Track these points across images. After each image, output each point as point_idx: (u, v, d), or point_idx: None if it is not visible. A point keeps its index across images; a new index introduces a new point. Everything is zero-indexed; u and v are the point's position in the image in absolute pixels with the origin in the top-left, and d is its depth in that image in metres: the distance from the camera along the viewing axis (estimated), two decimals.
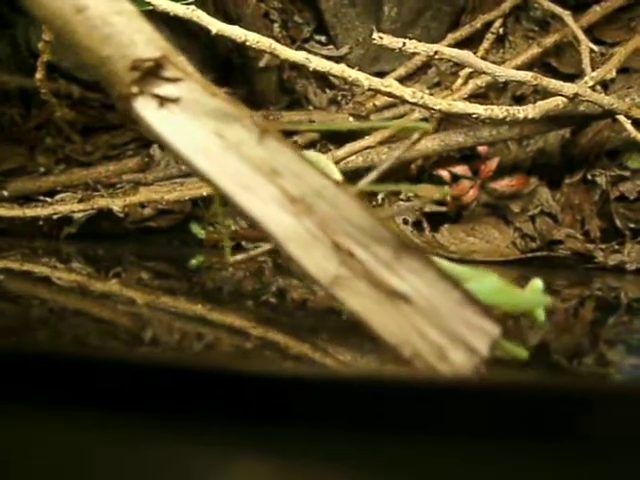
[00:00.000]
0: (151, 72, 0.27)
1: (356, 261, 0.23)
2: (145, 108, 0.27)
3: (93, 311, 0.57)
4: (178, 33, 0.69)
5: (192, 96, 0.27)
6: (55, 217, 0.68)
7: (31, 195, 0.70)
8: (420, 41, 0.69)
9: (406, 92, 0.53)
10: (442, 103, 0.55)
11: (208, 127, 0.26)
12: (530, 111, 0.58)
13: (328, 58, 0.70)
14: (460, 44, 0.71)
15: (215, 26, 0.50)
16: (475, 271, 0.29)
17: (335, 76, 0.52)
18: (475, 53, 0.69)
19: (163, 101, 0.27)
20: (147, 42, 0.27)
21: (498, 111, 0.57)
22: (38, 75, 0.61)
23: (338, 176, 0.31)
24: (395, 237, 0.24)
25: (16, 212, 0.68)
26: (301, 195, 0.24)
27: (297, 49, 0.70)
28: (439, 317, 0.23)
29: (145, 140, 0.69)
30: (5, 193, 0.69)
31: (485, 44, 0.70)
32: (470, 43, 0.71)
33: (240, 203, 0.25)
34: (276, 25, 0.70)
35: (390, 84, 0.52)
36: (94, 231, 0.69)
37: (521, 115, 0.58)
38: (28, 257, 0.67)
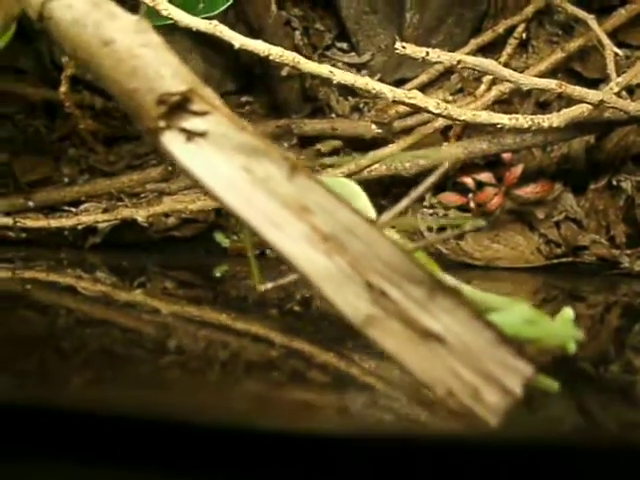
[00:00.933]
0: (178, 106, 0.27)
1: (389, 300, 0.23)
2: (173, 142, 0.27)
3: (118, 320, 0.57)
4: (201, 43, 0.69)
5: (220, 130, 0.26)
6: (80, 227, 0.68)
7: (56, 205, 0.70)
8: (443, 47, 0.69)
9: (430, 103, 0.52)
10: (466, 113, 0.54)
11: (236, 161, 0.26)
12: (555, 119, 0.58)
13: (350, 65, 0.70)
14: (483, 49, 0.70)
15: (238, 40, 0.50)
16: (506, 300, 0.29)
17: (359, 88, 0.51)
18: (498, 58, 0.69)
19: (190, 135, 0.27)
20: (174, 75, 0.27)
21: (523, 120, 0.56)
22: (62, 89, 0.61)
23: (369, 206, 0.31)
24: (429, 276, 0.23)
25: (41, 222, 0.68)
26: (332, 232, 0.24)
27: (319, 57, 0.70)
28: (472, 357, 0.23)
29: None
30: (31, 204, 0.70)
31: (508, 49, 0.69)
32: (493, 48, 0.70)
33: (270, 240, 0.25)
34: (297, 33, 0.70)
35: (414, 95, 0.52)
36: (118, 241, 0.70)
37: (546, 124, 0.57)
38: (54, 267, 0.68)
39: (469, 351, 0.23)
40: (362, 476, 0.24)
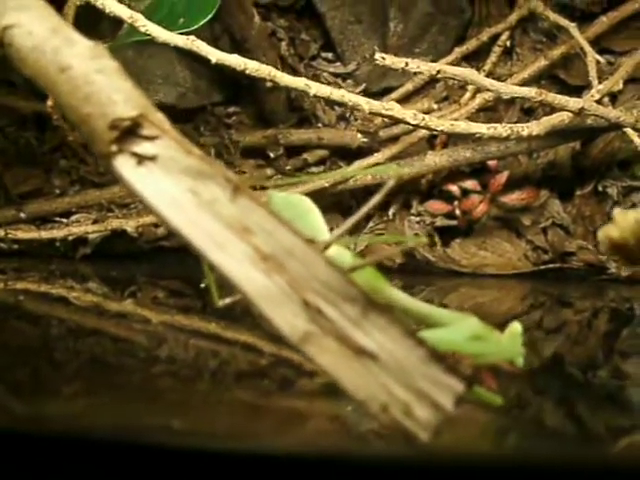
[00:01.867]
0: (129, 130, 0.28)
1: (325, 318, 0.24)
2: (124, 166, 0.28)
3: (110, 330, 0.58)
4: (187, 54, 0.70)
5: (168, 153, 0.27)
6: (70, 238, 0.69)
7: (47, 216, 0.71)
8: (427, 55, 0.70)
9: (407, 114, 0.53)
10: (444, 124, 0.55)
11: (183, 184, 0.27)
12: (534, 128, 0.58)
13: (336, 75, 0.71)
14: (467, 58, 0.71)
15: (215, 55, 0.51)
16: (454, 315, 0.30)
17: (335, 101, 0.52)
18: (482, 66, 0.69)
19: (141, 159, 0.27)
20: (125, 101, 0.28)
21: (502, 129, 0.57)
22: (49, 102, 0.62)
23: (321, 222, 0.32)
24: (363, 294, 0.24)
25: (33, 234, 0.69)
26: (272, 252, 0.25)
27: (305, 67, 0.71)
28: (405, 374, 0.23)
29: None
30: (22, 215, 0.71)
31: (492, 57, 0.70)
32: (477, 56, 0.71)
33: (213, 261, 0.26)
34: (283, 43, 0.71)
35: (391, 107, 0.53)
36: (109, 251, 0.71)
37: (525, 132, 0.58)
38: (45, 278, 0.69)
39: (401, 368, 0.23)
40: None
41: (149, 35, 0.51)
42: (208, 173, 0.27)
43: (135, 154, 0.28)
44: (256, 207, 0.26)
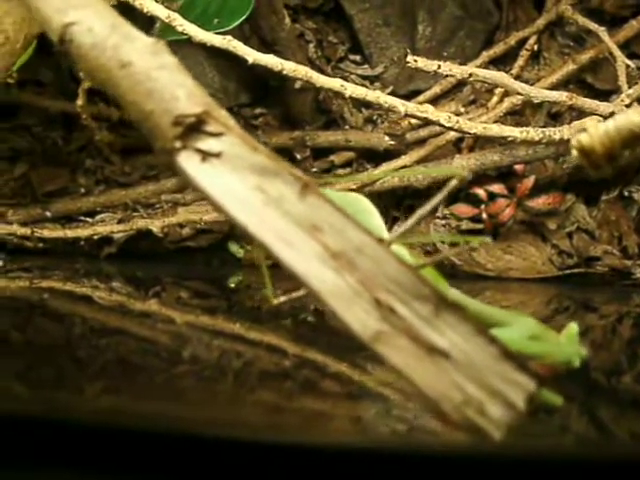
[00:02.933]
0: (193, 127, 0.28)
1: (397, 317, 0.24)
2: (188, 162, 0.28)
3: (133, 330, 0.58)
4: (215, 55, 0.70)
5: (234, 151, 0.27)
6: (95, 237, 0.69)
7: (72, 215, 0.71)
8: (455, 59, 0.70)
9: (442, 117, 0.53)
10: (477, 127, 0.55)
11: (250, 182, 0.27)
12: (566, 132, 0.58)
13: (363, 78, 0.71)
14: (495, 62, 0.71)
15: (252, 56, 0.51)
16: (513, 315, 0.30)
17: (371, 102, 0.52)
18: (510, 70, 0.69)
19: (205, 156, 0.27)
20: (189, 97, 0.28)
21: (534, 133, 0.57)
22: (79, 102, 0.62)
23: (380, 221, 0.32)
24: (434, 293, 0.24)
25: (58, 233, 0.69)
26: (342, 251, 0.25)
27: (332, 69, 0.71)
28: (477, 372, 0.23)
29: None
30: (48, 214, 0.71)
31: (520, 61, 0.70)
32: (505, 60, 0.71)
33: (282, 258, 0.26)
34: (311, 45, 0.71)
35: (426, 109, 0.53)
36: (134, 251, 0.71)
37: (557, 136, 0.58)
38: (70, 277, 0.69)
39: (473, 366, 0.23)
40: None
41: (186, 34, 0.51)
42: (275, 170, 0.27)
43: (199, 150, 0.28)
44: (324, 205, 0.26)
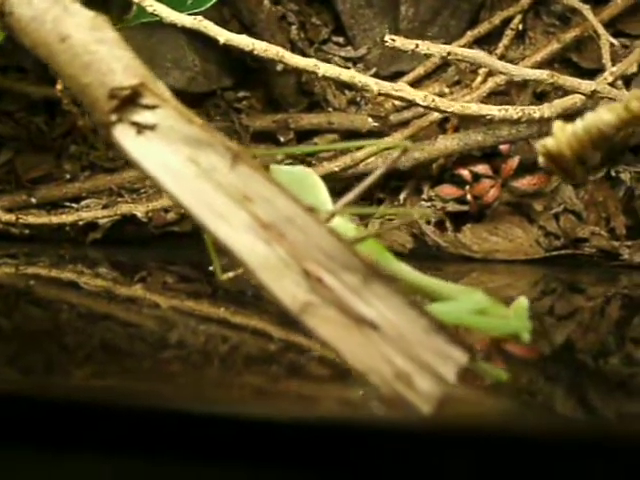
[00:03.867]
0: (129, 100, 0.27)
1: (325, 288, 0.24)
2: (124, 135, 0.27)
3: (120, 315, 0.58)
4: (196, 39, 0.69)
5: (168, 123, 0.27)
6: (80, 223, 0.69)
7: (58, 201, 0.71)
8: (439, 39, 0.69)
9: (418, 95, 0.53)
10: (455, 106, 0.54)
11: (183, 153, 0.26)
12: (546, 110, 0.57)
13: (346, 59, 0.71)
14: (479, 41, 0.70)
15: (223, 36, 0.50)
16: (461, 289, 0.29)
17: (345, 82, 0.52)
18: (494, 50, 0.69)
19: (141, 128, 0.27)
20: (125, 70, 0.28)
21: (513, 111, 0.56)
22: (58, 86, 0.62)
23: (326, 195, 0.31)
24: (364, 263, 0.24)
25: (43, 219, 0.69)
26: (272, 221, 0.25)
27: (315, 51, 0.70)
28: (406, 344, 0.23)
29: None
30: (33, 200, 0.71)
31: (504, 40, 0.69)
32: (489, 40, 0.70)
33: (212, 230, 0.25)
34: (294, 28, 0.70)
35: (401, 88, 0.52)
36: (119, 236, 0.70)
37: (537, 115, 0.57)
38: (56, 263, 0.69)
39: (403, 338, 0.23)
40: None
41: (157, 15, 0.50)
42: (208, 142, 0.26)
43: (135, 123, 0.27)
44: (256, 175, 0.25)
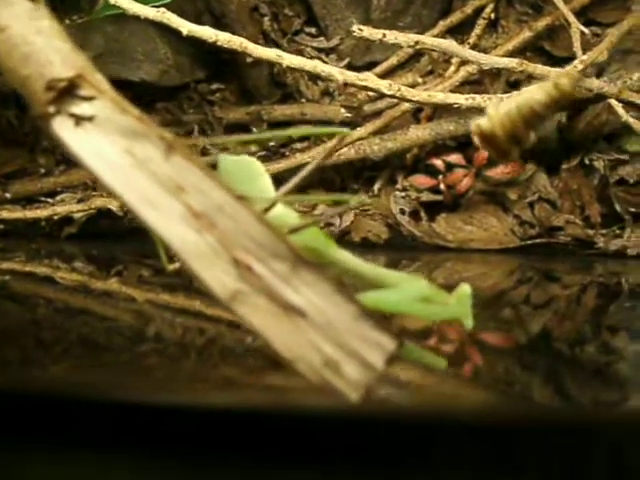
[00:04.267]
0: (67, 91, 0.27)
1: (254, 276, 0.24)
2: (62, 127, 0.27)
3: (95, 309, 0.58)
4: (167, 32, 0.69)
5: (105, 114, 0.27)
6: (55, 218, 0.69)
7: (32, 196, 0.71)
8: (411, 29, 0.69)
9: (382, 85, 0.52)
10: (421, 94, 0.54)
11: (119, 145, 0.26)
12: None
13: (319, 50, 0.70)
14: (452, 31, 0.70)
15: (186, 27, 0.50)
16: (403, 276, 0.29)
17: (309, 72, 0.51)
18: (467, 39, 0.69)
19: (79, 120, 0.27)
20: (63, 61, 0.28)
21: (480, 100, 0.56)
22: None
23: (269, 183, 0.31)
24: (292, 251, 0.24)
25: (18, 214, 0.69)
26: (204, 210, 0.25)
27: (288, 42, 0.70)
28: (334, 331, 0.23)
29: None
30: (7, 195, 0.71)
31: (477, 30, 0.69)
32: (462, 29, 0.70)
33: (146, 219, 0.25)
34: (266, 19, 0.70)
35: (366, 77, 0.52)
36: (94, 230, 0.70)
37: None
38: (31, 258, 0.69)
39: (330, 325, 0.23)
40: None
41: (119, 8, 0.50)
42: (143, 132, 0.26)
43: (73, 115, 0.27)
44: (189, 165, 0.25)
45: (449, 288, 0.33)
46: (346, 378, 0.23)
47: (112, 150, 0.26)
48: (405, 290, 0.28)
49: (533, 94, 0.26)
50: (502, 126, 0.26)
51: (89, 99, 0.27)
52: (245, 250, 0.24)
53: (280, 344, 0.23)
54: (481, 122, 0.26)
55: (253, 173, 0.31)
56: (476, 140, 0.27)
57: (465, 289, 0.29)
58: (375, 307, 0.26)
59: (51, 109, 0.27)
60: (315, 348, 0.23)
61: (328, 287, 0.23)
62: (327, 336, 0.23)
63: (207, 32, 0.50)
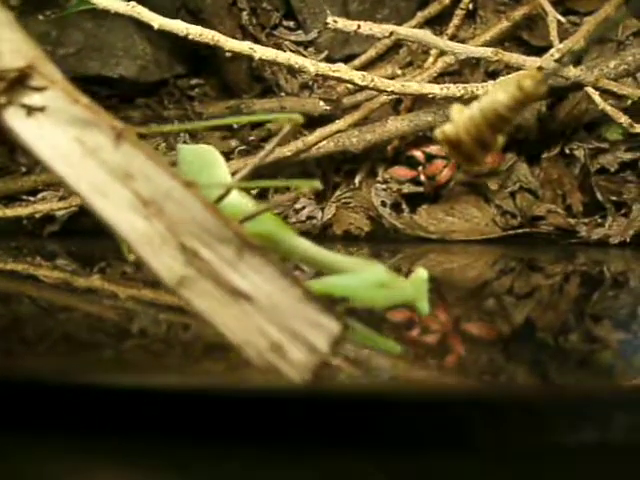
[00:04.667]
0: (17, 82, 0.27)
1: (201, 261, 0.24)
2: (14, 118, 0.27)
3: (79, 306, 0.58)
4: (146, 28, 0.69)
5: (56, 104, 0.27)
6: (37, 216, 0.69)
7: (14, 195, 0.71)
8: (389, 21, 0.69)
9: (356, 76, 0.52)
10: (395, 85, 0.54)
11: (70, 134, 0.26)
12: (490, 87, 0.57)
13: (297, 44, 0.70)
14: (430, 22, 0.70)
15: (157, 21, 0.50)
16: (359, 262, 0.29)
17: (282, 64, 0.51)
18: (446, 30, 0.69)
19: (30, 110, 0.27)
20: (13, 51, 0.28)
21: (455, 89, 0.56)
22: None
23: (226, 171, 0.31)
24: (238, 235, 0.24)
25: None
26: (152, 197, 0.25)
27: (266, 36, 0.70)
28: (279, 315, 0.23)
29: None
30: None
31: (455, 20, 0.69)
32: (440, 20, 0.70)
33: (96, 208, 0.25)
34: (244, 13, 0.70)
35: (338, 68, 0.52)
36: (76, 228, 0.70)
37: (480, 92, 0.57)
38: (13, 256, 0.69)
39: (275, 309, 0.23)
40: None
41: (91, 2, 0.50)
42: (93, 121, 0.26)
43: (24, 106, 0.27)
44: (137, 153, 0.25)
45: (431, 279, 0.33)
46: (290, 360, 0.23)
47: (63, 139, 0.27)
48: (360, 275, 0.28)
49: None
50: (467, 131, 0.25)
51: (40, 89, 0.27)
52: (192, 236, 0.24)
53: (227, 329, 0.23)
54: (445, 128, 0.26)
55: (211, 161, 0.31)
56: (442, 147, 0.26)
57: (422, 273, 0.29)
58: (327, 292, 0.26)
59: (2, 100, 0.28)
60: (261, 332, 0.23)
61: (274, 271, 0.23)
62: (273, 320, 0.23)
63: (178, 26, 0.50)
